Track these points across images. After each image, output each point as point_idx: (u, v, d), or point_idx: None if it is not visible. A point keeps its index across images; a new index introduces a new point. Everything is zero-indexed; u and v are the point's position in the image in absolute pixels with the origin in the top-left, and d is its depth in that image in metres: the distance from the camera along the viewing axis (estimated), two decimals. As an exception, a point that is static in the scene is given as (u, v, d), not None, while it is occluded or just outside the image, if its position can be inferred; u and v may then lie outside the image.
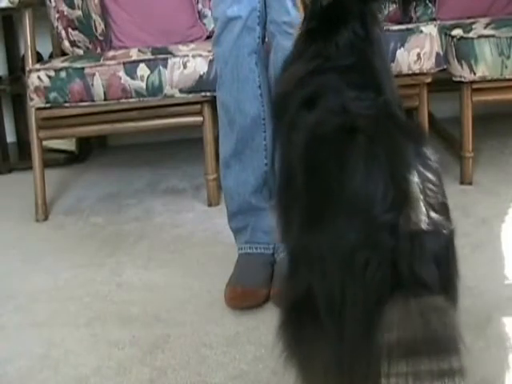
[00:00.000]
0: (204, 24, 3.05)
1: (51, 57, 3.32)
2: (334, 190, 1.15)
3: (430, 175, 1.14)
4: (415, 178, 1.12)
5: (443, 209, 1.14)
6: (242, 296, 1.89)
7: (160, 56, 2.60)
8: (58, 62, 2.71)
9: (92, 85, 2.59)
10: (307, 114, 1.30)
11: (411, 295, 1.05)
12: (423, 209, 1.09)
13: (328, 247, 1.12)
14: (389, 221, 1.08)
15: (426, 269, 1.07)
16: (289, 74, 1.46)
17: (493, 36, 2.51)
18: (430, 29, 2.53)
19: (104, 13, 2.99)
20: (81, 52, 3.00)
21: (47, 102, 2.65)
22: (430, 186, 1.13)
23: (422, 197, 1.10)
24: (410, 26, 2.59)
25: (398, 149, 1.16)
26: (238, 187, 2.00)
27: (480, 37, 2.52)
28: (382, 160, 1.13)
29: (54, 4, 2.97)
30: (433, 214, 1.10)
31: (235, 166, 1.99)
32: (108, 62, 2.61)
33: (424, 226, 1.08)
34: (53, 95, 2.62)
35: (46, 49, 3.40)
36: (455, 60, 2.56)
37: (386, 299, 1.05)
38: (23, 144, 3.52)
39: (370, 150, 1.15)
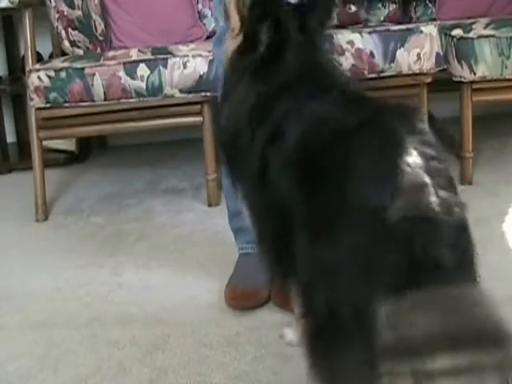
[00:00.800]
0: (204, 24, 3.05)
1: (51, 57, 3.32)
2: (343, 195, 1.13)
3: (431, 152, 1.13)
4: (420, 162, 1.10)
5: (450, 184, 1.13)
6: (243, 296, 1.89)
7: (160, 56, 2.60)
8: (58, 62, 2.71)
9: (92, 85, 2.59)
10: (299, 122, 1.30)
11: (434, 284, 1.03)
12: (433, 192, 1.08)
13: (348, 255, 1.09)
14: (402, 214, 1.06)
15: (444, 253, 1.06)
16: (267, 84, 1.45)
17: (493, 36, 2.51)
18: (430, 29, 2.53)
19: (104, 13, 2.99)
20: (81, 52, 3.00)
21: (47, 102, 2.65)
22: (435, 164, 1.12)
23: (430, 180, 1.09)
24: (410, 26, 2.59)
25: (395, 136, 1.15)
26: None
27: (480, 37, 2.52)
28: (384, 153, 1.13)
29: (54, 4, 2.96)
30: (442, 193, 1.09)
31: None
32: (108, 62, 2.61)
33: (437, 209, 1.07)
34: (53, 95, 2.62)
35: (46, 49, 3.40)
36: (455, 60, 2.56)
37: (406, 294, 1.02)
38: (23, 144, 3.52)
39: (370, 145, 1.15)
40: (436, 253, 1.05)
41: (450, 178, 1.14)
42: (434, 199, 1.08)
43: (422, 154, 1.12)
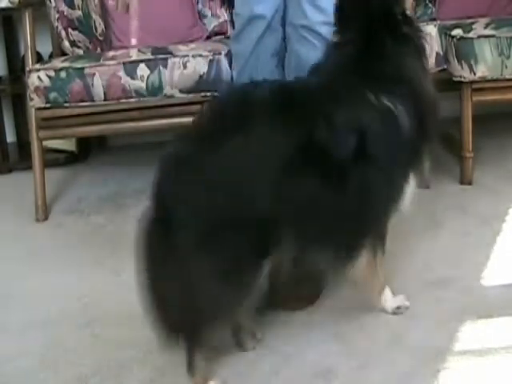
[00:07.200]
0: (204, 24, 3.05)
1: (51, 57, 3.31)
2: None
3: None
4: None
5: None
6: None
7: (160, 56, 2.60)
8: (58, 62, 2.71)
9: (92, 85, 2.59)
10: None
11: None
12: None
13: None
14: None
15: None
16: None
17: (493, 36, 2.51)
18: (430, 29, 2.53)
19: (104, 13, 2.99)
20: (81, 52, 3.00)
21: (47, 102, 2.65)
22: None
23: None
24: (410, 25, 2.59)
25: None
26: None
27: (480, 37, 2.52)
28: None
29: (54, 4, 2.97)
30: None
31: None
32: (108, 62, 2.61)
33: None
34: (53, 95, 2.62)
35: (46, 49, 3.39)
36: (455, 60, 2.56)
37: None
38: (23, 144, 3.51)
39: None
40: None
41: None
42: None
43: None
